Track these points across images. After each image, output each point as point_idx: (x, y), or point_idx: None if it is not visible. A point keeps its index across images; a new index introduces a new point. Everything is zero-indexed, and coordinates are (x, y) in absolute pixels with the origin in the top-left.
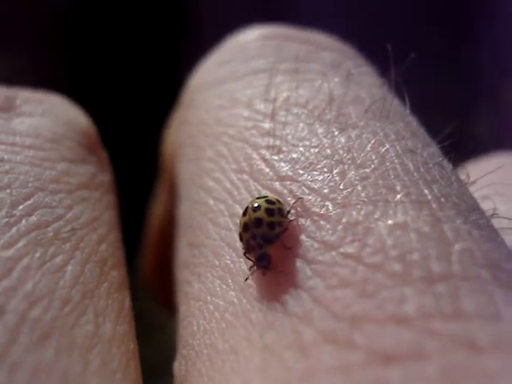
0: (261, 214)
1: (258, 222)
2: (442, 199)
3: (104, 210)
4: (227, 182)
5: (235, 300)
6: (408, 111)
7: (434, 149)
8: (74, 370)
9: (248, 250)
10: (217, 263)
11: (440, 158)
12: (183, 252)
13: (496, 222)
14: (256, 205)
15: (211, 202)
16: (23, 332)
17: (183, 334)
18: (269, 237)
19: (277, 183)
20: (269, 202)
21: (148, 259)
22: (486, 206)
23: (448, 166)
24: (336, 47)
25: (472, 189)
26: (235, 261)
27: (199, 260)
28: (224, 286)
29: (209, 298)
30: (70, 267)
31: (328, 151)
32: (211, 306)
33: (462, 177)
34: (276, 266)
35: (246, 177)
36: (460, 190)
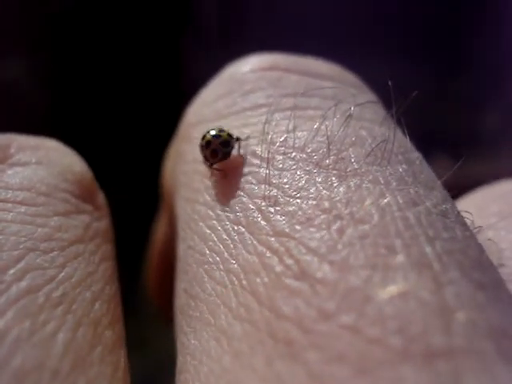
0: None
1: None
2: (445, 258)
3: (99, 262)
4: (223, 232)
5: (230, 367)
6: (410, 146)
7: (437, 192)
8: None
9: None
10: (212, 322)
11: (444, 205)
12: (180, 297)
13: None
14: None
15: (206, 251)
16: None
17: None
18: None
19: (273, 239)
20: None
21: (151, 278)
22: (493, 247)
23: (452, 211)
24: (336, 77)
25: (478, 221)
26: (231, 323)
27: (195, 313)
28: (219, 350)
29: (204, 358)
30: (61, 334)
31: (326, 204)
32: (206, 369)
33: (465, 213)
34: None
35: (242, 229)
36: (464, 241)
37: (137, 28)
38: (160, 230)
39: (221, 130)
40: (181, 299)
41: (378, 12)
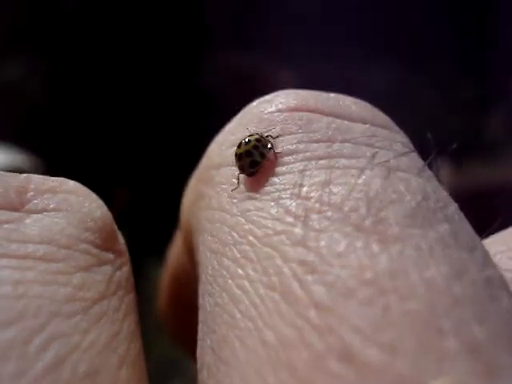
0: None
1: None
2: (494, 337)
3: (123, 319)
4: (256, 296)
5: None
6: (448, 197)
7: (478, 253)
8: None
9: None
10: None
11: (487, 271)
12: (207, 354)
13: None
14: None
15: (238, 315)
16: None
17: None
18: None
19: (313, 312)
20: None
21: (161, 300)
22: None
23: (495, 274)
24: (368, 117)
25: None
26: None
27: (226, 379)
28: None
29: None
30: None
31: (368, 275)
32: None
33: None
34: None
35: (277, 297)
36: (508, 312)
37: (142, 28)
38: (174, 255)
39: (255, 147)
40: (207, 357)
41: (379, 13)
